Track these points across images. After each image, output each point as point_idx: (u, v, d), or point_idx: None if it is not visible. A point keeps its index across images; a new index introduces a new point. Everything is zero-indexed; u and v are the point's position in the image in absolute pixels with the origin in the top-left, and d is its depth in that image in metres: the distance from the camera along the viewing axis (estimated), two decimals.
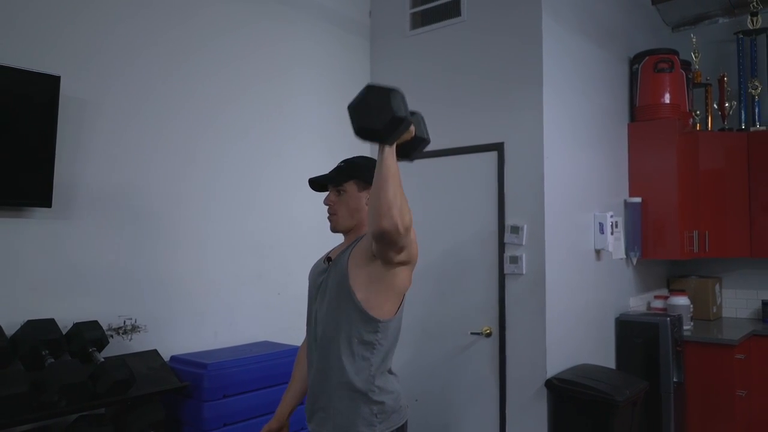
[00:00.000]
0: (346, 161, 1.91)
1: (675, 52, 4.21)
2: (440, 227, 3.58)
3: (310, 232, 3.44)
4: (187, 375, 2.56)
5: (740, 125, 4.56)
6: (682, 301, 4.14)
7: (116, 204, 2.62)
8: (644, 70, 4.17)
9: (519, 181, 3.28)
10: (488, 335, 3.35)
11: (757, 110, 4.48)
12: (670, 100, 4.12)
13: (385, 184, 1.49)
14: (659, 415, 3.64)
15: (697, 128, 4.54)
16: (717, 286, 4.63)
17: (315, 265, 1.95)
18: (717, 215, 4.33)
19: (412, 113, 1.60)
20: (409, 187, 1.71)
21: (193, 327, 2.90)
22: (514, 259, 3.24)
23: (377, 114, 1.44)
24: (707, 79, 4.68)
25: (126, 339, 2.63)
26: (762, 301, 4.46)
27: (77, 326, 2.36)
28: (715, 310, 4.58)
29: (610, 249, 3.73)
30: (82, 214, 2.50)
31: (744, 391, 3.86)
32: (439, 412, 3.55)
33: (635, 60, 4.26)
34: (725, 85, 4.57)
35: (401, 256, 1.65)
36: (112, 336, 2.54)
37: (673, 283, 4.72)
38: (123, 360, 2.32)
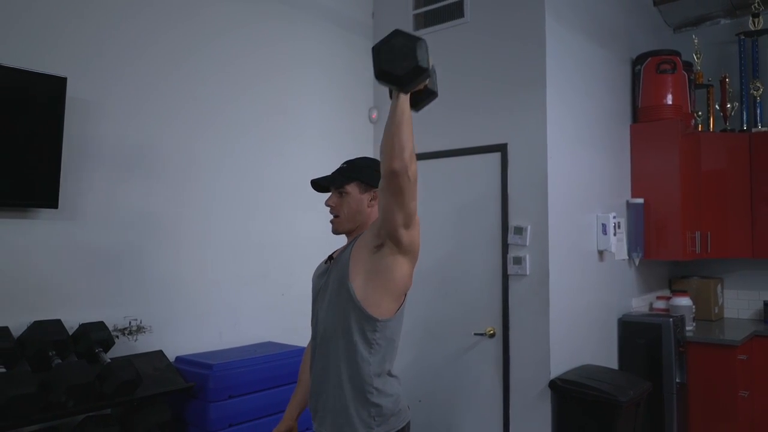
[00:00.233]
0: (348, 162, 1.91)
1: (677, 53, 4.22)
2: (443, 228, 3.58)
3: (314, 233, 3.44)
4: (193, 375, 2.57)
5: (742, 126, 4.57)
6: (684, 301, 4.14)
7: (121, 205, 2.63)
8: (647, 71, 4.18)
9: (522, 182, 3.29)
10: (492, 336, 3.36)
11: (758, 111, 4.49)
12: (673, 101, 4.13)
13: (400, 127, 1.49)
14: (662, 416, 3.65)
15: (699, 129, 4.56)
16: (719, 287, 4.64)
17: (318, 266, 1.96)
18: (719, 216, 4.34)
19: None
20: None
21: (197, 327, 2.91)
22: (518, 260, 3.25)
23: (401, 60, 1.44)
24: (709, 80, 4.69)
25: (131, 339, 2.64)
26: (764, 301, 4.47)
27: (83, 327, 2.37)
28: (716, 311, 4.58)
29: (613, 250, 3.74)
30: (88, 215, 2.51)
31: (746, 392, 3.87)
32: (443, 413, 3.55)
33: (638, 61, 4.27)
34: (727, 86, 4.57)
35: (407, 235, 1.62)
36: (117, 337, 2.55)
37: (674, 283, 4.73)
38: (129, 361, 2.33)
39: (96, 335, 2.36)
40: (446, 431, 3.53)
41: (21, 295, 2.29)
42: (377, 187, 1.81)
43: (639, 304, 4.24)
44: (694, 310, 4.22)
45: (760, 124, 4.47)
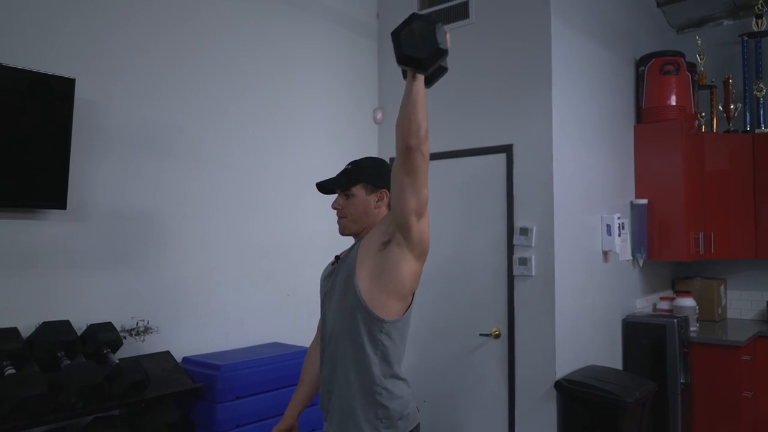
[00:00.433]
0: (353, 163, 1.89)
1: (681, 54, 4.23)
2: (449, 228, 3.59)
3: (319, 233, 3.45)
4: (200, 376, 2.57)
5: (745, 127, 4.58)
6: (688, 302, 4.15)
7: (128, 206, 2.63)
8: (650, 72, 4.19)
9: (528, 183, 3.30)
10: (497, 336, 3.36)
11: (761, 112, 4.49)
12: (677, 102, 4.13)
13: (416, 107, 1.53)
14: (666, 417, 3.65)
15: (703, 130, 4.56)
16: (722, 288, 4.64)
17: (325, 268, 1.96)
18: (722, 217, 4.35)
19: None
20: None
21: (203, 328, 2.91)
22: (524, 261, 3.25)
23: (421, 43, 1.48)
24: (712, 81, 4.70)
25: (138, 340, 2.64)
26: (767, 302, 4.48)
27: (92, 328, 2.37)
28: (720, 312, 4.59)
29: (617, 250, 3.74)
30: (97, 216, 2.51)
31: (750, 393, 3.88)
32: (448, 414, 3.56)
33: (641, 62, 4.27)
34: (730, 87, 4.58)
35: (417, 226, 1.63)
36: (125, 337, 2.55)
37: (678, 284, 4.74)
38: (138, 361, 2.33)
39: (104, 336, 2.36)
40: None
41: (29, 295, 2.29)
42: (384, 188, 1.82)
43: (642, 304, 4.25)
44: (697, 311, 4.23)
45: (763, 125, 4.48)
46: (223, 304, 3.00)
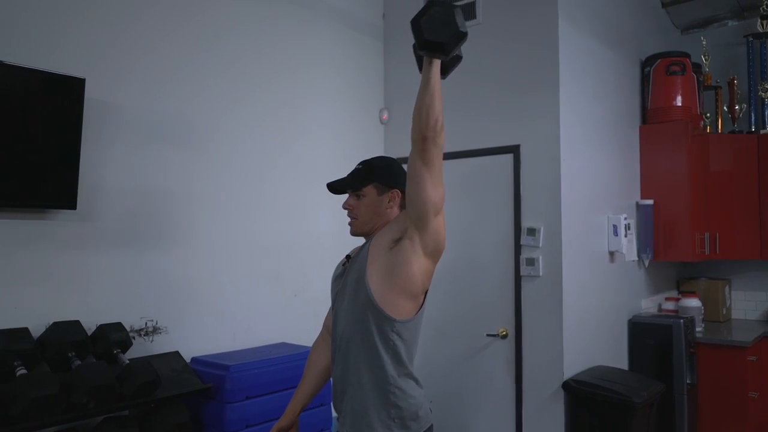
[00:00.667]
0: (363, 163, 1.87)
1: (687, 55, 4.23)
2: (456, 229, 3.57)
3: (327, 233, 3.44)
4: (209, 377, 2.57)
5: (750, 128, 4.58)
6: (693, 303, 4.15)
7: (137, 206, 2.63)
8: (656, 72, 4.19)
9: (535, 183, 3.30)
10: (504, 337, 3.36)
11: (766, 113, 4.49)
12: (682, 102, 4.14)
13: (433, 99, 1.55)
14: (673, 417, 3.65)
15: (708, 131, 4.56)
16: (727, 288, 4.64)
17: (336, 268, 1.95)
18: (727, 217, 4.34)
19: None
20: None
21: (211, 328, 2.91)
22: (531, 261, 3.25)
23: (442, 28, 1.48)
24: (717, 82, 4.70)
25: (147, 340, 2.64)
26: None
27: (102, 328, 2.37)
28: (725, 312, 4.59)
29: (624, 251, 3.74)
30: (106, 216, 2.51)
31: (756, 393, 3.88)
32: (455, 414, 3.56)
33: (647, 62, 4.28)
34: (735, 88, 4.58)
35: (434, 222, 1.64)
36: (134, 337, 2.55)
37: (683, 284, 4.73)
38: (148, 362, 2.33)
39: (114, 336, 2.36)
40: None
41: (40, 295, 2.29)
42: (396, 188, 1.81)
43: (648, 305, 4.25)
44: (703, 311, 4.23)
45: None
46: (230, 304, 3.00)
